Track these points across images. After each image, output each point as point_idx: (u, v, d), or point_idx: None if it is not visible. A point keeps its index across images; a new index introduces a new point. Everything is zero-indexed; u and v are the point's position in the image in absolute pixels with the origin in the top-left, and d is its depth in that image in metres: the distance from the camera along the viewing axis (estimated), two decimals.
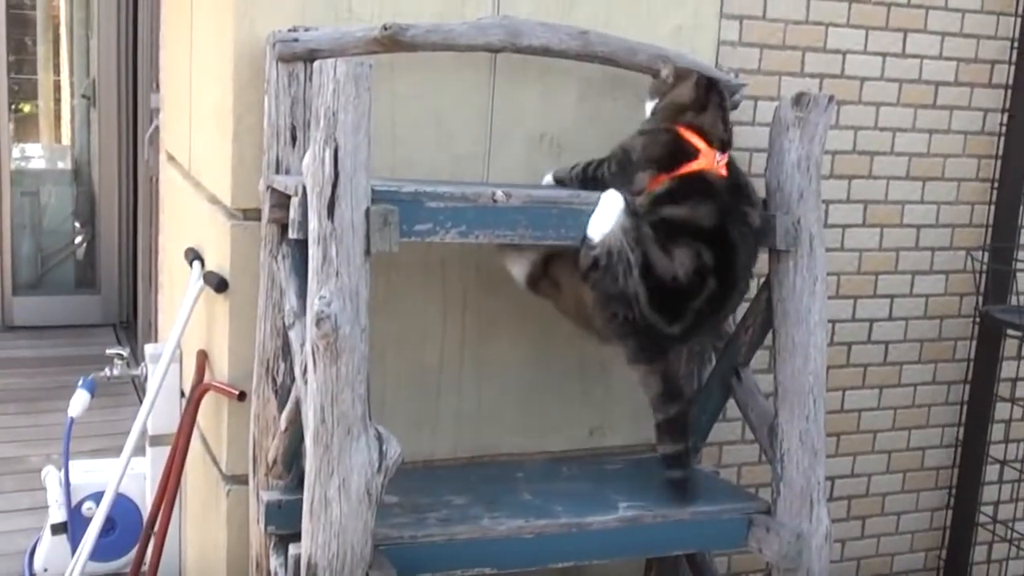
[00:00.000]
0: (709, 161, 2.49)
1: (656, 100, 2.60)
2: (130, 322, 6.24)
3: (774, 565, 2.62)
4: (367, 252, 2.17)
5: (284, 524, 2.47)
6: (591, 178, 2.56)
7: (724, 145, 2.55)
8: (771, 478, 2.66)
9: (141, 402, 4.90)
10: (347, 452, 2.15)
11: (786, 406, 2.62)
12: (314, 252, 2.16)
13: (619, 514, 2.54)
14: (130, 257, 6.24)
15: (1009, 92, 3.50)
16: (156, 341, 3.98)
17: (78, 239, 6.90)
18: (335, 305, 2.12)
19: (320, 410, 2.14)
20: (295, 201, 2.27)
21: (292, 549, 2.28)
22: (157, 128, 4.09)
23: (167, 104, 3.71)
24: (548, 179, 2.68)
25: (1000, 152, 3.53)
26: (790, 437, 2.61)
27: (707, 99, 2.55)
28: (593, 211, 2.45)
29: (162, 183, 3.90)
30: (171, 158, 3.59)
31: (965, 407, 3.69)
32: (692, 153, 2.49)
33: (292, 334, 2.41)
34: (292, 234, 2.29)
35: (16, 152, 6.90)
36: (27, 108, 7.48)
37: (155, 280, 4.28)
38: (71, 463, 3.35)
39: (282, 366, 2.51)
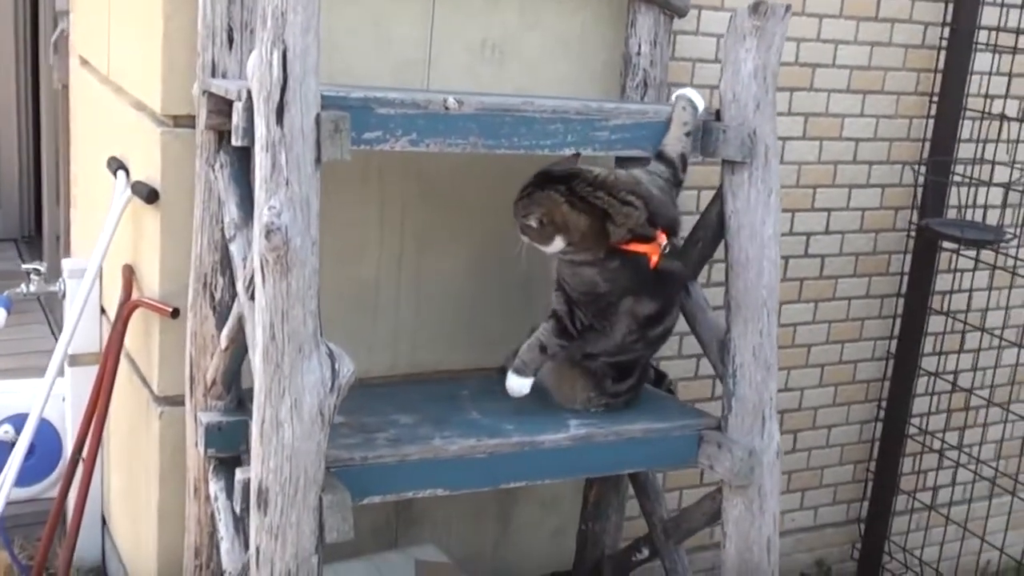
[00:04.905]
0: (654, 250, 2.44)
1: (565, 238, 2.40)
2: (33, 237, 6.00)
3: (726, 482, 2.60)
4: (318, 160, 2.06)
5: (225, 446, 2.40)
6: (574, 332, 2.48)
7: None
8: (722, 393, 2.62)
9: (48, 319, 4.75)
10: (299, 371, 2.04)
11: (739, 321, 2.57)
12: (262, 160, 2.03)
13: (571, 432, 2.48)
14: (32, 170, 5.98)
15: (950, 5, 3.46)
16: (67, 256, 3.80)
17: None
18: (285, 216, 2.00)
19: (269, 327, 2.03)
20: (239, 106, 2.13)
21: (239, 474, 2.17)
22: (63, 32, 3.88)
23: (79, 5, 3.50)
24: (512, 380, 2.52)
25: (939, 66, 3.49)
26: (743, 352, 2.57)
27: (586, 202, 2.38)
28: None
29: (73, 90, 3.71)
30: (85, 62, 3.40)
31: (898, 320, 3.69)
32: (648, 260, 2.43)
33: (233, 247, 2.29)
34: (235, 141, 2.15)
35: None
36: None
37: (64, 193, 4.09)
38: None
39: (221, 281, 2.39)
